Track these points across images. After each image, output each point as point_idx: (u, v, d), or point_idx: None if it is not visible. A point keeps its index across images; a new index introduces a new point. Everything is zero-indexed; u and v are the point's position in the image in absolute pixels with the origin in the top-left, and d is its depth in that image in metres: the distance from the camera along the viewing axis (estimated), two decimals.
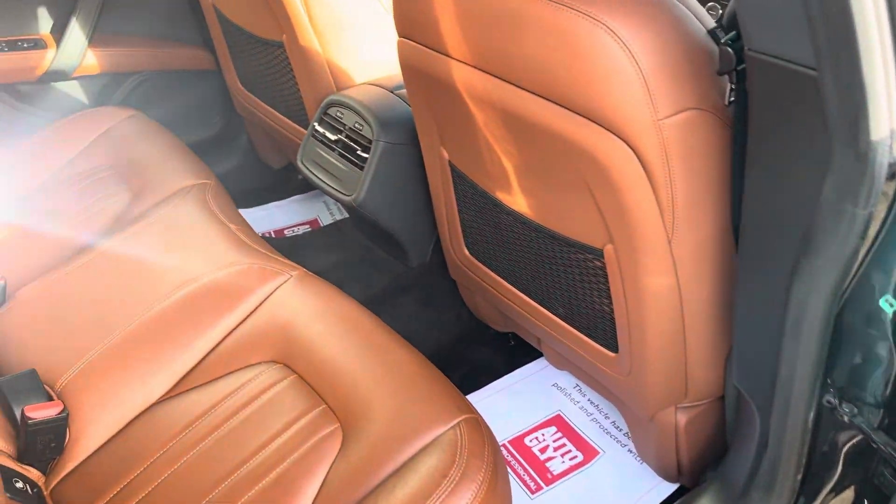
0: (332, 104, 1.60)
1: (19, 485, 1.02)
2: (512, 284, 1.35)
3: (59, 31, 1.95)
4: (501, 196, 1.22)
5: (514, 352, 1.66)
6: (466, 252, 1.43)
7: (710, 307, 1.06)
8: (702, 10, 0.91)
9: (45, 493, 1.06)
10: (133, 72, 2.08)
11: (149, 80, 2.10)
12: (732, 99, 0.89)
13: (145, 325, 1.23)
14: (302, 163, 1.66)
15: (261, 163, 2.28)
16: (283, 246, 1.97)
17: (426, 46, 1.13)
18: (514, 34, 0.93)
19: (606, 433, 1.48)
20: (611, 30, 0.84)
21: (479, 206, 1.31)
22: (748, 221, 0.91)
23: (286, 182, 2.27)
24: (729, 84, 0.88)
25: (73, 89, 2.02)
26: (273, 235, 2.13)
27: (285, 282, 1.27)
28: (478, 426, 1.01)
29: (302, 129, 1.80)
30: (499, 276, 1.37)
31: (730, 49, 0.83)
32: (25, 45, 1.92)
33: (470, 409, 1.05)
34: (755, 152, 0.84)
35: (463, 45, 1.04)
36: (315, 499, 0.96)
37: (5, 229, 1.52)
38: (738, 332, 1.00)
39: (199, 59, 2.15)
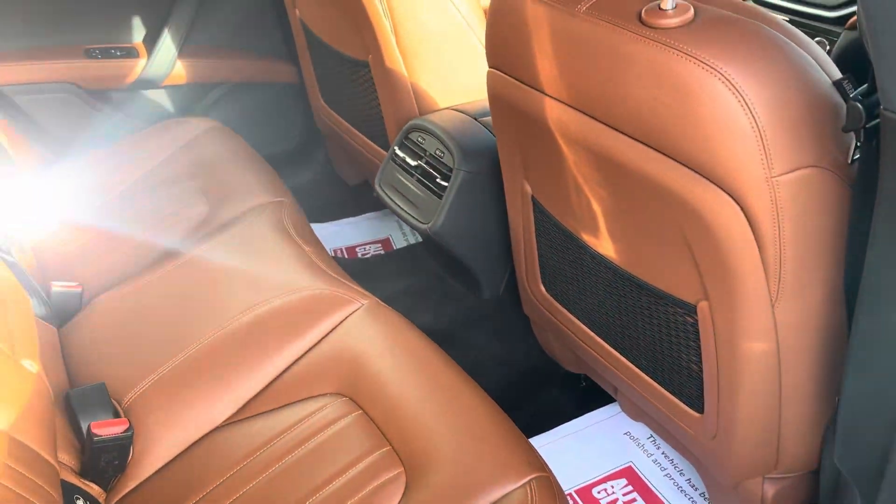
0: (413, 128, 1.57)
1: (80, 502, 1.01)
2: (590, 328, 1.28)
3: (151, 41, 1.99)
4: (587, 238, 1.16)
5: (586, 394, 1.58)
6: (543, 290, 1.37)
7: (811, 378, 0.97)
8: (826, 58, 0.84)
9: None
10: (218, 82, 2.10)
11: (233, 91, 2.12)
12: (857, 157, 0.81)
13: (214, 344, 1.21)
14: (380, 186, 1.64)
15: (336, 178, 2.28)
16: (355, 268, 1.94)
17: (518, 80, 1.08)
18: (617, 75, 0.88)
19: (681, 491, 1.39)
20: (726, 78, 0.77)
21: (560, 244, 1.25)
22: (866, 291, 0.82)
23: (360, 199, 2.26)
24: (854, 141, 0.80)
25: (160, 98, 2.06)
26: (345, 254, 2.12)
27: (356, 310, 1.24)
28: (549, 486, 0.96)
29: (381, 150, 1.78)
30: (576, 318, 1.31)
31: (860, 105, 0.75)
32: (118, 54, 1.97)
33: (541, 465, 0.99)
34: (884, 218, 0.76)
35: (559, 82, 0.99)
36: None
37: (86, 234, 1.54)
38: (844, 409, 0.91)
39: (282, 73, 2.17)
